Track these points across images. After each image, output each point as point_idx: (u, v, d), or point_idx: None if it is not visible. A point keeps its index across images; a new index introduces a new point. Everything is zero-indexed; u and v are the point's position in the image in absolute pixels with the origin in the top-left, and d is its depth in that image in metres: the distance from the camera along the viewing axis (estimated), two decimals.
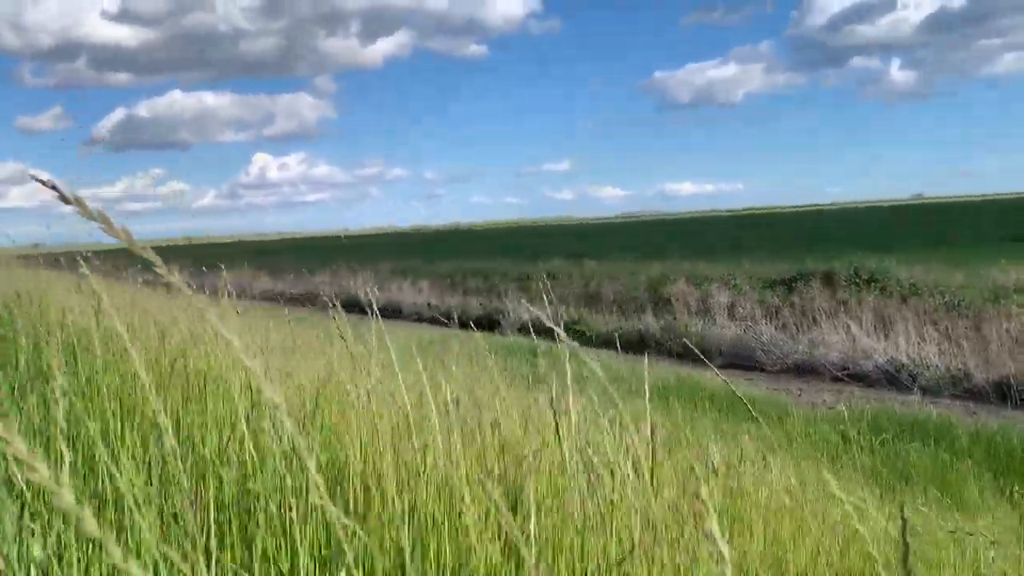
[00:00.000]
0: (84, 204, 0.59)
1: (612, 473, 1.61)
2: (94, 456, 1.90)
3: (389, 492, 1.66)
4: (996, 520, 5.23)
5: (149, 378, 1.03)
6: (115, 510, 1.64)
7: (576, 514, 1.64)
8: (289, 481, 1.57)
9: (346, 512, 1.73)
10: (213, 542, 1.23)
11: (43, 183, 0.59)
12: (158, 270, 0.64)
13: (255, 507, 1.65)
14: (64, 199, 0.59)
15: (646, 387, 1.70)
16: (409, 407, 1.85)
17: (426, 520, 1.64)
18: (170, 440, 1.11)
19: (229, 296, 2.95)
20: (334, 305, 2.20)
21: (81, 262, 1.74)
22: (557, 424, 1.66)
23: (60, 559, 1.44)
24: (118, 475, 1.42)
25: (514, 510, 1.66)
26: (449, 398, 1.97)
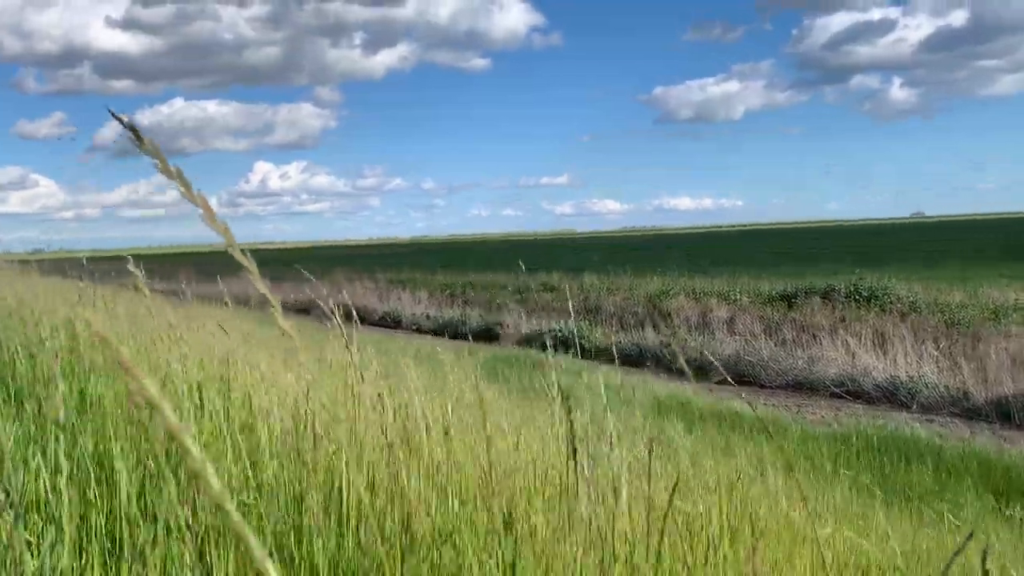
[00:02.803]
0: (189, 186, 0.57)
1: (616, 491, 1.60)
2: (89, 465, 1.89)
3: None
4: (999, 540, 5.20)
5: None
6: (109, 520, 1.63)
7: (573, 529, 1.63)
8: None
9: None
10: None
11: (126, 125, 0.56)
12: (252, 278, 0.63)
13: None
14: (168, 173, 0.57)
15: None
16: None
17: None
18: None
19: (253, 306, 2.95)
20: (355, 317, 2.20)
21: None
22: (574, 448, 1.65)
23: (54, 571, 1.43)
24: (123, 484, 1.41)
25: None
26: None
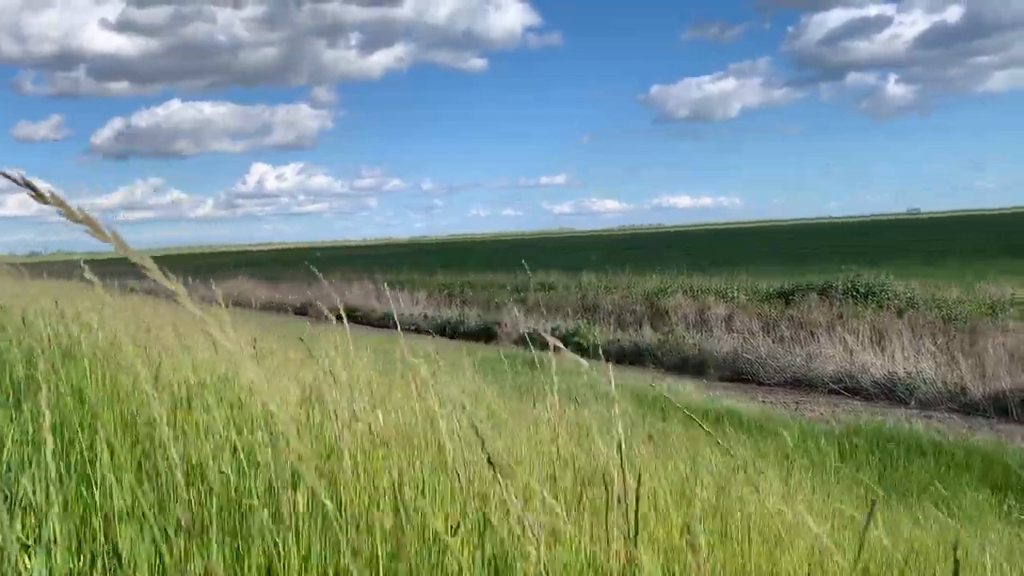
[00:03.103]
0: (68, 206, 0.58)
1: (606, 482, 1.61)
2: (86, 466, 1.89)
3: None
4: (998, 534, 5.21)
5: (155, 393, 1.02)
6: (104, 520, 1.63)
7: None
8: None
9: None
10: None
11: (21, 183, 0.58)
12: (150, 274, 0.64)
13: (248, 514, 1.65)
14: (40, 198, 0.58)
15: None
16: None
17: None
18: (169, 450, 1.11)
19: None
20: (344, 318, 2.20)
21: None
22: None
23: (50, 572, 1.43)
24: (116, 485, 1.41)
25: None
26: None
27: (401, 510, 1.53)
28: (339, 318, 2.12)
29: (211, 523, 1.51)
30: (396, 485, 1.60)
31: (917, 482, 7.37)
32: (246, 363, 0.81)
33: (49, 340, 3.22)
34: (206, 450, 1.91)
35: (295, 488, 1.65)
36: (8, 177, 0.59)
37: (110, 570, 1.49)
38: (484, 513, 1.53)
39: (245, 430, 2.09)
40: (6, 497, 1.56)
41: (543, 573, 1.18)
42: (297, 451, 0.82)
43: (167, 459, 1.65)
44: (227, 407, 2.29)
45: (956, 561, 0.76)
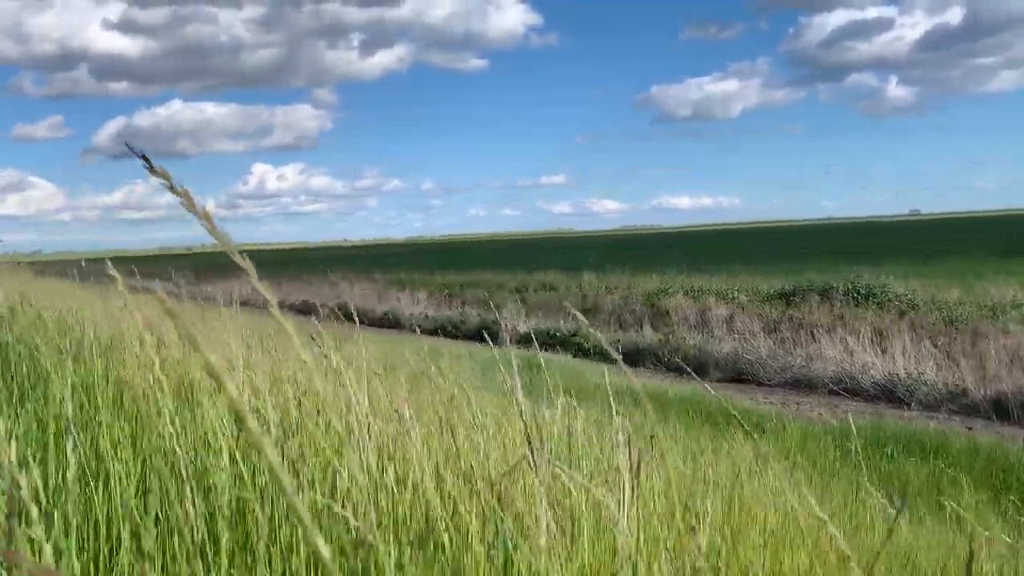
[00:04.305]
0: (190, 197, 0.58)
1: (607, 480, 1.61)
2: (92, 462, 1.89)
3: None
4: (997, 536, 5.21)
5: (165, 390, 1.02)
6: (108, 523, 1.63)
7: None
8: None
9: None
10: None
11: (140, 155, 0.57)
12: (252, 280, 0.63)
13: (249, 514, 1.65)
14: (173, 190, 0.58)
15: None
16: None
17: None
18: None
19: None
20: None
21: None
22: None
23: (57, 566, 1.44)
24: (121, 481, 1.41)
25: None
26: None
27: None
28: (348, 318, 2.12)
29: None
30: None
31: (918, 483, 7.38)
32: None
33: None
34: None
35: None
36: (133, 151, 0.58)
37: (116, 567, 1.49)
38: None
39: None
40: (10, 494, 1.56)
41: None
42: None
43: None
44: None
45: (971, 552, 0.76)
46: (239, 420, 0.46)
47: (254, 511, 1.64)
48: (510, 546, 1.52)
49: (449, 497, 1.68)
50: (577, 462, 2.19)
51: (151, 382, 2.13)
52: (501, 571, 1.53)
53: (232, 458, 1.96)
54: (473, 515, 1.58)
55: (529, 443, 1.58)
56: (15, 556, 0.34)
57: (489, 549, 1.53)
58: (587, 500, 1.70)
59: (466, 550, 1.53)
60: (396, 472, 1.75)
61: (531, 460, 1.58)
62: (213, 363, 0.48)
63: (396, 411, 1.92)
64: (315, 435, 1.99)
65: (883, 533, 2.81)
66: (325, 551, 0.48)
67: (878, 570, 2.10)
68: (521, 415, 1.60)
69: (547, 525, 1.46)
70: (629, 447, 1.52)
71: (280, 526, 1.63)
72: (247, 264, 0.63)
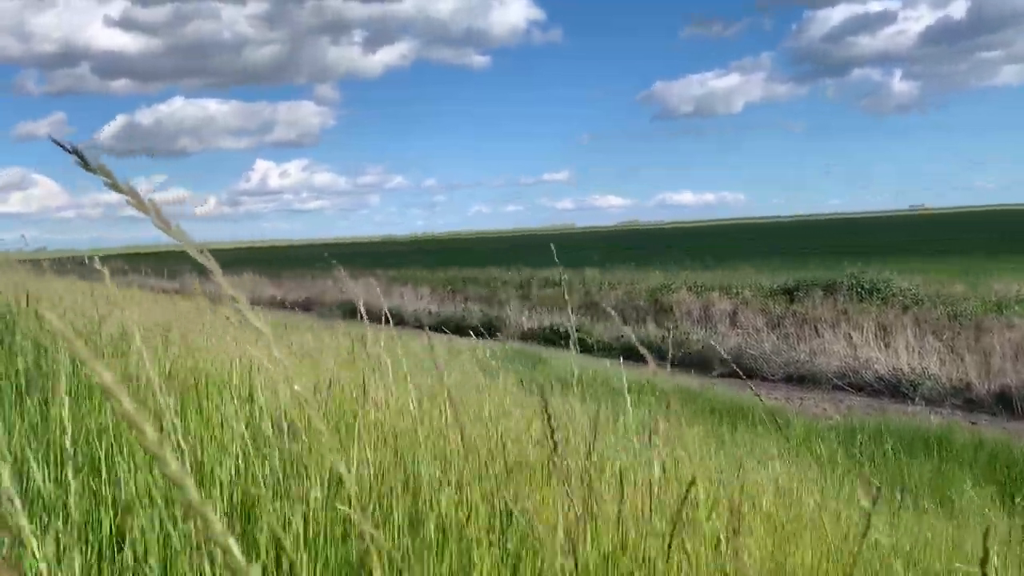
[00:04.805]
0: (138, 196, 0.57)
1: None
2: (94, 459, 1.89)
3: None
4: (1001, 530, 5.20)
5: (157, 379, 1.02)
6: (115, 513, 1.63)
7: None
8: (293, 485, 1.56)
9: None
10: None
11: (70, 150, 0.56)
12: (215, 277, 0.63)
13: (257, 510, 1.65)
14: (117, 187, 0.57)
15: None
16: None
17: None
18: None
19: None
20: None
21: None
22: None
23: (60, 561, 1.43)
24: (129, 477, 1.41)
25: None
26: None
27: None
28: (356, 315, 2.11)
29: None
30: None
31: (921, 478, 7.36)
32: None
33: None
34: None
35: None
36: (64, 148, 0.57)
37: (118, 558, 1.49)
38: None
39: None
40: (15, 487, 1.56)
41: None
42: None
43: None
44: None
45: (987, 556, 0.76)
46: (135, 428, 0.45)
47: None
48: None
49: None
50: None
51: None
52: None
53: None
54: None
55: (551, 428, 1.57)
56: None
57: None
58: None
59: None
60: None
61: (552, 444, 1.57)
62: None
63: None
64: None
65: (887, 527, 2.80)
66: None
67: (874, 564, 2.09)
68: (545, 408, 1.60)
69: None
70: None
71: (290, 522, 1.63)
72: (212, 264, 0.63)
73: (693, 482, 1.36)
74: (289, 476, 1.72)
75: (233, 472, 1.79)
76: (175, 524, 1.35)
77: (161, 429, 1.87)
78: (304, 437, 1.87)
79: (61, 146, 0.57)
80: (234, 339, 3.07)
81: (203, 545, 1.30)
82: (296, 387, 0.75)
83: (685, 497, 1.35)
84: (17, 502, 0.83)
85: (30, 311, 3.66)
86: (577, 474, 1.57)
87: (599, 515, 1.60)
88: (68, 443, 1.13)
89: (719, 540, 1.54)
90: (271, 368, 2.32)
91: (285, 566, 1.55)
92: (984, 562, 0.81)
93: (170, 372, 2.77)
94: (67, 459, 1.27)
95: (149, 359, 1.20)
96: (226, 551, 0.46)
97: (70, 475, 1.35)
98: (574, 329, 2.00)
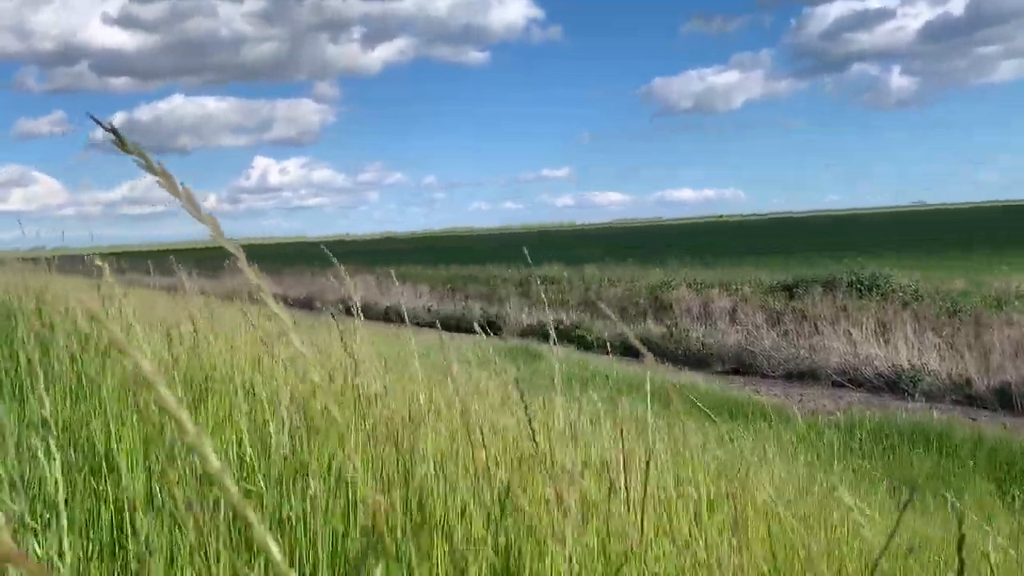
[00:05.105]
0: (172, 178, 0.56)
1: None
2: (95, 455, 1.90)
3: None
4: (1001, 526, 5.21)
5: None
6: (116, 510, 1.63)
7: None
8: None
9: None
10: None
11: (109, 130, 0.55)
12: (244, 270, 0.62)
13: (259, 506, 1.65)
14: (152, 169, 0.56)
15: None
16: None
17: None
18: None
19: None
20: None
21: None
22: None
23: (60, 557, 1.44)
24: (127, 473, 1.41)
25: None
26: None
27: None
28: (348, 311, 2.12)
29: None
30: None
31: (921, 474, 7.38)
32: None
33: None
34: None
35: None
36: (101, 125, 0.56)
37: (121, 555, 1.50)
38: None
39: None
40: (15, 483, 1.57)
41: None
42: None
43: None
44: None
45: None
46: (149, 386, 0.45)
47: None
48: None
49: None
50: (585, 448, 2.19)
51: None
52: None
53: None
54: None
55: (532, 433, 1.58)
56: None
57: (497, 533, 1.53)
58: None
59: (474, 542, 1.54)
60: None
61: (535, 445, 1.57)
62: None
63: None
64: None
65: (892, 523, 2.81)
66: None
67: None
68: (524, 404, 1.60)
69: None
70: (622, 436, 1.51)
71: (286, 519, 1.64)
72: (239, 252, 0.62)
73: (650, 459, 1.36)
74: (298, 472, 1.72)
75: (238, 467, 1.80)
76: (176, 524, 1.36)
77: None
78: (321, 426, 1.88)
79: (100, 124, 0.56)
80: (246, 332, 3.08)
81: (206, 546, 1.30)
82: (315, 377, 0.76)
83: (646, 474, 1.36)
84: (21, 497, 0.84)
85: (47, 308, 3.67)
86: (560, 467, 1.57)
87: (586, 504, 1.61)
88: (67, 440, 1.13)
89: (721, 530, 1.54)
90: (285, 360, 2.32)
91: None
92: (960, 547, 0.82)
93: (183, 367, 2.77)
94: (67, 457, 1.27)
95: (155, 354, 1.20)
96: (267, 552, 0.45)
97: (60, 471, 1.36)
98: (553, 327, 2.00)
